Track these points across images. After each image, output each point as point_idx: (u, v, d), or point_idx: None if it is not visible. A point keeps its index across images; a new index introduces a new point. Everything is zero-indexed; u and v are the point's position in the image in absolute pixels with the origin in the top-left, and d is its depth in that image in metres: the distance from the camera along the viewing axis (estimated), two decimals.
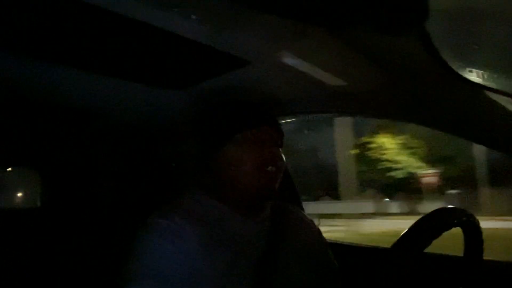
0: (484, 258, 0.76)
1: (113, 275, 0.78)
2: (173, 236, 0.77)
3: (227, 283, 0.77)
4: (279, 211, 0.96)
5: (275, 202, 0.96)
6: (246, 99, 0.93)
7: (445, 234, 0.68)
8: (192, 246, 0.77)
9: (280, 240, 0.89)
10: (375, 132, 16.08)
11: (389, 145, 15.60)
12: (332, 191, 15.96)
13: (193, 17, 0.68)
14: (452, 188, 13.78)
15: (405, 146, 15.64)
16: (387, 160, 15.46)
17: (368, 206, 13.99)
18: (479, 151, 12.01)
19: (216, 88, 1.03)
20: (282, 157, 0.90)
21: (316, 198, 15.93)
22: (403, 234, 0.68)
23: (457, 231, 0.73)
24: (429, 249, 0.67)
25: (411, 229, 0.69)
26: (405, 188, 15.63)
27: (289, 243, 0.90)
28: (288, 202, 1.05)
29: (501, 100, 0.80)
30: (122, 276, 0.75)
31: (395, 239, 0.69)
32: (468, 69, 0.72)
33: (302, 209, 1.55)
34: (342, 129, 14.15)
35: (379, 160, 15.59)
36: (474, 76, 0.73)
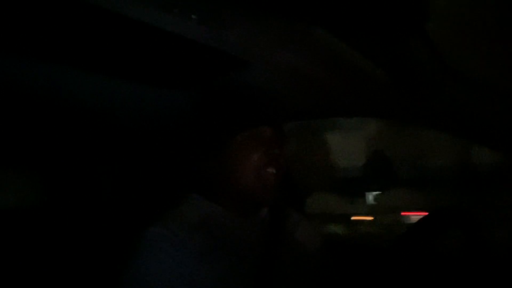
0: None
1: (112, 275, 0.77)
2: (169, 245, 0.77)
3: (226, 287, 0.77)
4: (277, 212, 0.96)
5: (274, 203, 0.96)
6: (245, 100, 0.93)
7: None
8: (189, 253, 0.77)
9: (278, 241, 0.89)
10: None
11: None
12: None
13: (193, 17, 0.68)
14: None
15: None
16: None
17: None
18: None
19: (216, 88, 1.03)
20: (282, 158, 0.89)
21: None
22: (403, 234, 0.68)
23: None
24: None
25: (411, 229, 0.69)
26: None
27: (287, 245, 0.90)
28: (288, 203, 1.05)
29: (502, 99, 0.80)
30: (118, 286, 0.75)
31: None
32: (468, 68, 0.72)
33: (304, 209, 1.55)
34: None
35: None
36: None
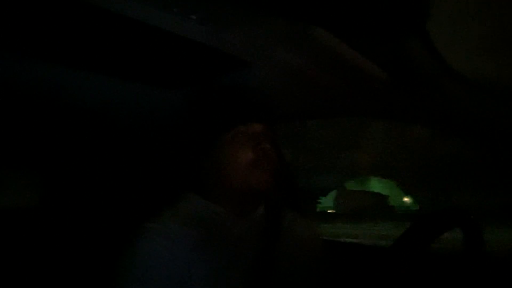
0: None
1: (112, 275, 0.78)
2: (165, 240, 0.77)
3: (220, 284, 0.77)
4: (274, 211, 0.95)
5: (269, 201, 0.96)
6: (244, 99, 0.93)
7: None
8: (185, 249, 0.77)
9: (274, 239, 0.89)
10: None
11: None
12: None
13: (193, 17, 0.69)
14: None
15: None
16: None
17: None
18: None
19: (215, 88, 1.03)
20: (276, 154, 0.88)
21: None
22: (403, 233, 0.68)
23: None
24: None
25: (410, 229, 0.69)
26: None
27: (283, 243, 0.90)
28: (286, 202, 1.05)
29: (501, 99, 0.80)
30: (115, 280, 0.75)
31: None
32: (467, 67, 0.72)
33: (302, 209, 1.55)
34: None
35: None
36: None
